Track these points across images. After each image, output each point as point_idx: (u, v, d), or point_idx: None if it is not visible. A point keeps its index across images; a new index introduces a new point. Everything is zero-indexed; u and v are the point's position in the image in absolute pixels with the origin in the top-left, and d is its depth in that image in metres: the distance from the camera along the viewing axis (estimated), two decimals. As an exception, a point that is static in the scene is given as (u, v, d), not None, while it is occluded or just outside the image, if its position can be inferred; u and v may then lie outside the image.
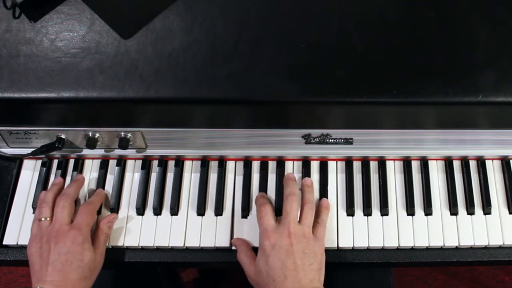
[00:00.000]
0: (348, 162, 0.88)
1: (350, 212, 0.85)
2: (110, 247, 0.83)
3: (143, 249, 0.84)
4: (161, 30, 0.78)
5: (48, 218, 0.78)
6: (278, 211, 0.83)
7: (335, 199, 0.87)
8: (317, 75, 0.74)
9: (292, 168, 0.88)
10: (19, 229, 0.84)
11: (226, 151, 0.87)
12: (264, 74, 0.74)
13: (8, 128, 0.81)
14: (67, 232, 0.76)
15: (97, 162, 0.89)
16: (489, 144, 0.85)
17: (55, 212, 0.78)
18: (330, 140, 0.83)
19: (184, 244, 0.83)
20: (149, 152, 0.87)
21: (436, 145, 0.85)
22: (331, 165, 0.89)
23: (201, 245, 0.83)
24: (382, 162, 0.88)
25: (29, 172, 0.89)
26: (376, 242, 0.83)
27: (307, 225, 0.78)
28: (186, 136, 0.83)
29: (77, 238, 0.75)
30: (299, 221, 0.78)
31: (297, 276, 0.72)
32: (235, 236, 0.84)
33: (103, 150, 0.86)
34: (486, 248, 0.84)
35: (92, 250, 0.77)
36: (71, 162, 0.89)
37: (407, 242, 0.83)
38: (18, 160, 0.89)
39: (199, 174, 0.88)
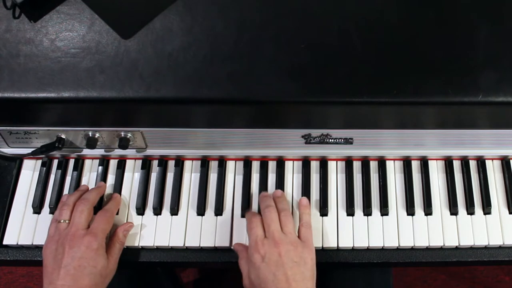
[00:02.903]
0: (348, 162, 0.88)
1: (350, 212, 0.85)
2: (110, 247, 0.83)
3: (143, 249, 0.84)
4: (161, 30, 0.78)
5: (67, 221, 0.78)
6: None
7: (335, 199, 0.87)
8: (317, 75, 0.74)
9: (292, 168, 0.88)
10: (19, 229, 0.84)
11: (226, 151, 0.87)
12: (264, 74, 0.74)
13: (8, 128, 0.81)
14: (82, 237, 0.75)
15: (97, 162, 0.89)
16: (489, 144, 0.85)
17: (73, 216, 0.78)
18: (330, 140, 0.83)
19: (184, 244, 0.83)
20: (149, 152, 0.87)
21: (436, 145, 0.85)
22: (331, 165, 0.89)
23: (201, 245, 0.83)
24: (382, 162, 0.88)
25: (29, 172, 0.89)
26: (376, 242, 0.83)
27: (290, 232, 0.77)
28: (186, 136, 0.83)
29: (92, 244, 0.75)
30: (281, 231, 0.77)
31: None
32: (234, 236, 0.84)
33: (103, 150, 0.86)
34: (486, 248, 0.84)
35: (106, 257, 0.77)
36: (71, 162, 0.89)
37: (407, 242, 0.83)
38: (18, 160, 0.89)
39: (199, 174, 0.88)
